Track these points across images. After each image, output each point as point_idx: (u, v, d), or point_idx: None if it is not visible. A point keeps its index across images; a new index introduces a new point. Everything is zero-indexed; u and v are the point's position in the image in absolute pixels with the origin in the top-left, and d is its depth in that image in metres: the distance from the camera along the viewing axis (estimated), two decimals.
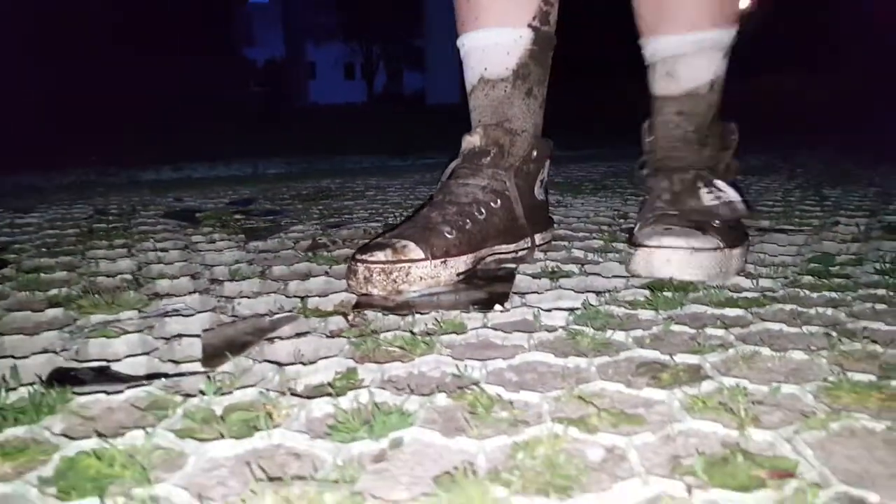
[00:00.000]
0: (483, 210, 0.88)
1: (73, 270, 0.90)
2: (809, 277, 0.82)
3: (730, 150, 0.95)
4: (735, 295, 0.75)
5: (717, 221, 0.86)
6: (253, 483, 0.36)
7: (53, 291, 0.79)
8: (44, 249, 1.04)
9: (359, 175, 2.25)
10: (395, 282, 0.77)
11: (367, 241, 0.93)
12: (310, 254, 0.98)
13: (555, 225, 1.09)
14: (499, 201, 0.89)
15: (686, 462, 0.39)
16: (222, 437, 0.43)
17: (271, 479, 0.38)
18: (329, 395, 0.50)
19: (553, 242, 1.04)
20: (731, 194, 0.90)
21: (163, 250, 1.02)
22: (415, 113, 9.16)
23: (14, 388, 0.50)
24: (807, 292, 0.76)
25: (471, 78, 0.94)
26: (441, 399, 0.49)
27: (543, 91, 0.95)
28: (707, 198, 0.89)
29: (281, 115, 8.19)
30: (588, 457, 0.41)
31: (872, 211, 1.31)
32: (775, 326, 0.64)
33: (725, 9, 0.91)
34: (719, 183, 0.91)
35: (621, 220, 1.24)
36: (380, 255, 0.77)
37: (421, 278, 0.78)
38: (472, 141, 0.93)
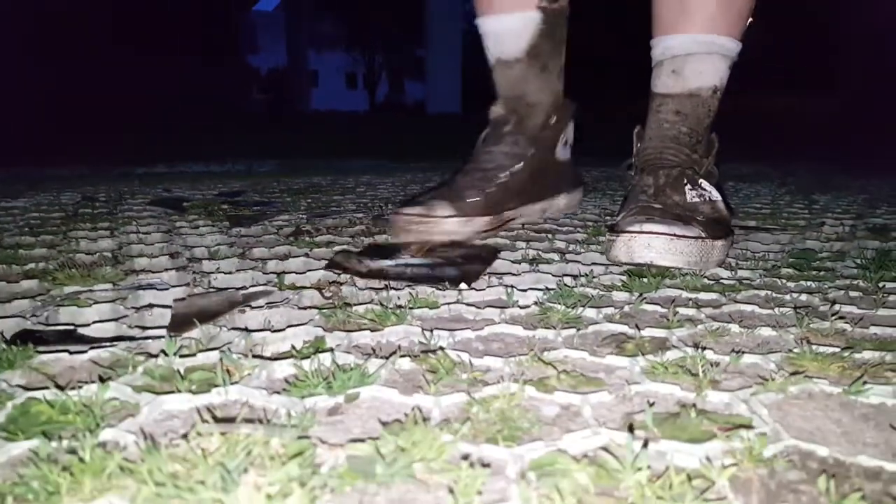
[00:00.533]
0: (507, 175, 0.99)
1: (53, 248, 0.90)
2: (789, 270, 0.82)
3: (711, 157, 0.95)
4: (712, 282, 0.75)
5: (699, 216, 0.86)
6: (200, 425, 0.36)
7: (31, 266, 0.79)
8: (26, 229, 1.04)
9: (351, 173, 2.25)
10: (427, 233, 0.90)
11: (358, 228, 1.06)
12: (291, 238, 0.98)
13: (585, 183, 1.17)
14: (521, 163, 1.00)
15: (640, 419, 0.39)
16: (179, 391, 0.43)
17: (219, 421, 0.38)
18: (293, 357, 0.50)
19: (537, 234, 1.04)
20: (715, 194, 0.90)
21: (145, 233, 1.02)
22: (415, 121, 9.18)
23: None
24: (784, 282, 0.76)
25: (490, 58, 1.04)
26: (403, 362, 0.49)
27: (559, 60, 1.03)
28: (691, 194, 0.88)
29: (281, 119, 8.21)
30: (543, 412, 0.41)
31: (859, 214, 1.32)
32: (748, 308, 0.64)
33: (738, 22, 0.93)
34: (704, 183, 0.90)
35: (607, 217, 1.24)
36: (415, 209, 0.91)
37: (447, 233, 0.91)
38: (495, 110, 1.04)
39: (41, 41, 6.01)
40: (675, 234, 0.79)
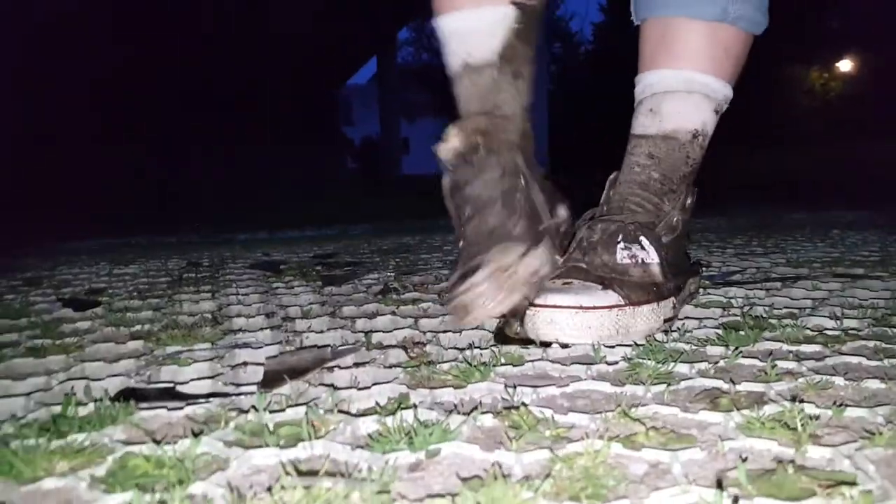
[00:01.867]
0: (518, 196, 0.78)
1: (159, 311, 0.95)
2: None
3: (679, 210, 0.85)
4: (815, 333, 0.71)
5: (625, 278, 0.76)
6: (284, 479, 0.37)
7: (137, 327, 0.83)
8: (135, 294, 1.10)
9: (438, 232, 2.28)
10: (510, 287, 0.70)
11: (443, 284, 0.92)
12: (379, 296, 1.00)
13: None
14: (522, 179, 0.79)
15: (733, 475, 0.37)
16: (267, 446, 0.44)
17: (302, 475, 0.38)
18: (377, 413, 0.50)
19: None
20: (651, 256, 0.79)
21: (244, 295, 1.06)
22: None
23: (84, 404, 0.53)
24: (895, 331, 0.71)
25: (454, 64, 0.85)
26: (485, 418, 0.48)
27: (531, 69, 0.85)
28: (621, 254, 0.78)
29: (373, 185, 8.47)
30: (629, 470, 0.39)
31: None
32: (854, 360, 0.60)
33: (726, 63, 0.86)
34: (644, 241, 0.80)
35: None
36: (468, 281, 0.70)
37: (532, 271, 0.72)
38: (451, 144, 0.80)
39: (153, 133, 6.49)
40: (580, 307, 0.71)
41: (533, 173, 0.80)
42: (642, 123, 0.87)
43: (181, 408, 0.53)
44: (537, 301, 0.72)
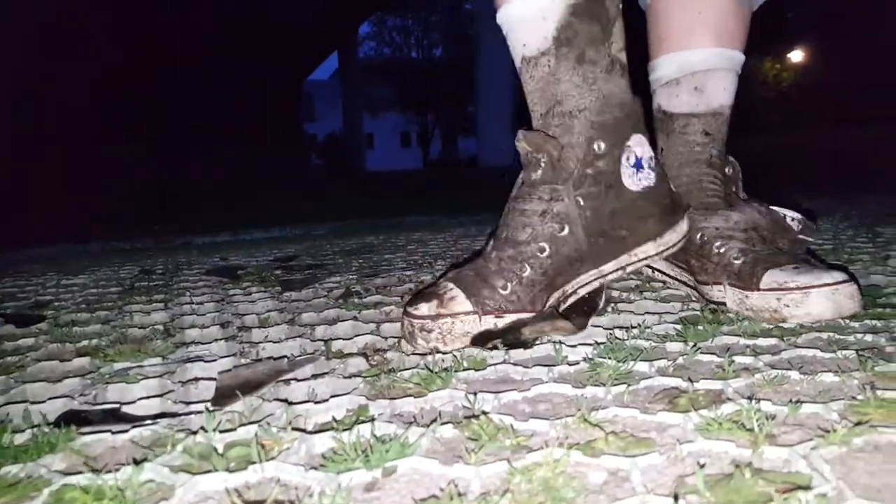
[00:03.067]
0: (546, 246, 0.72)
1: (108, 323, 0.92)
2: None
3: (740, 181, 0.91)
4: (771, 326, 0.72)
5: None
6: None
7: (84, 343, 0.80)
8: (83, 305, 1.07)
9: (403, 231, 2.26)
10: (443, 339, 0.68)
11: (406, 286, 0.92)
12: (341, 301, 0.98)
13: (688, 207, 0.85)
14: (566, 227, 0.73)
15: (692, 481, 0.37)
16: (216, 470, 0.42)
17: (247, 503, 0.37)
18: (333, 429, 0.49)
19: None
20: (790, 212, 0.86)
21: (198, 304, 1.04)
22: (467, 175, 9.27)
23: (22, 431, 0.51)
24: (847, 321, 0.71)
25: (516, 61, 0.78)
26: (445, 429, 0.47)
27: (608, 51, 0.75)
28: (792, 224, 0.84)
29: (337, 183, 8.40)
30: (589, 479, 0.38)
31: None
32: (809, 352, 0.60)
33: (744, 36, 0.90)
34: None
35: None
36: (423, 309, 0.69)
37: (467, 334, 0.69)
38: (520, 144, 0.75)
39: (109, 128, 6.34)
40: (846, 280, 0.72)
41: (601, 207, 0.74)
42: (688, 102, 0.89)
43: (126, 431, 0.51)
44: (820, 282, 0.71)
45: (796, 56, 15.50)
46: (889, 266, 1.03)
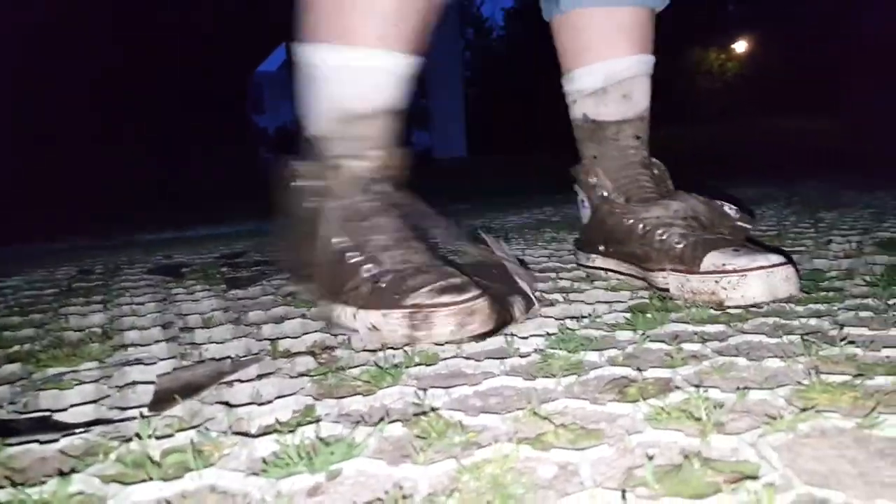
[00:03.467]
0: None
1: (42, 327, 0.88)
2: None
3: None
4: (718, 313, 0.72)
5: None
6: None
7: (15, 348, 0.77)
8: (16, 309, 1.02)
9: None
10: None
11: None
12: (290, 298, 0.96)
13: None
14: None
15: (641, 473, 0.36)
16: (150, 479, 0.40)
17: None
18: (277, 432, 0.47)
19: (541, 273, 1.01)
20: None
21: (139, 304, 1.00)
22: (421, 166, 9.24)
23: None
24: (792, 306, 0.72)
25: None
26: (394, 427, 0.46)
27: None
28: (730, 212, 0.86)
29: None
30: (538, 474, 0.38)
31: (866, 229, 1.28)
32: (755, 338, 0.61)
33: (653, 39, 0.94)
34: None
35: None
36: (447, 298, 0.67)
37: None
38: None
39: (43, 120, 6.13)
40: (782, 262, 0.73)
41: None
42: (617, 110, 0.92)
43: (56, 440, 0.48)
44: (754, 265, 0.71)
45: (740, 46, 15.85)
46: (831, 251, 1.06)
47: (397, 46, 0.76)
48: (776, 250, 0.78)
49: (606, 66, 0.91)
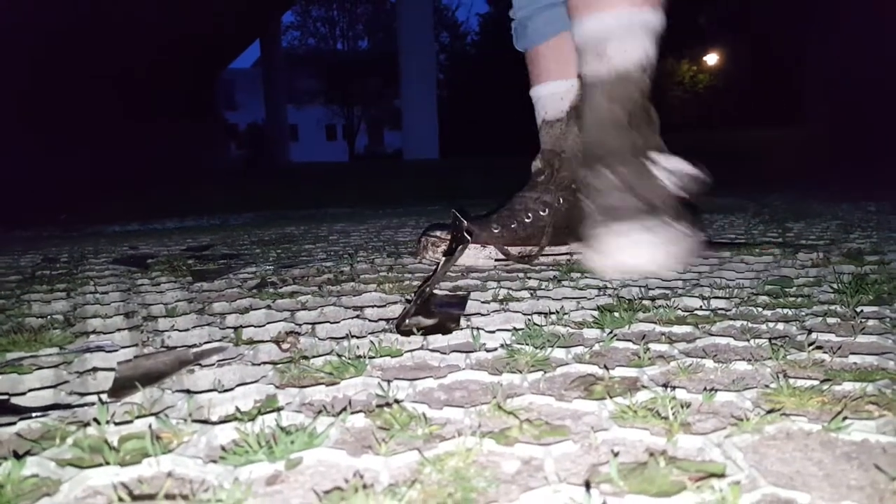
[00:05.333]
0: (530, 215, 1.10)
1: (2, 313, 0.86)
2: (765, 297, 0.80)
3: (656, 127, 0.94)
4: (686, 314, 0.73)
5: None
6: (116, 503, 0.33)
7: None
8: None
9: (325, 222, 2.22)
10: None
11: (325, 277, 1.00)
12: (255, 291, 0.95)
13: None
14: (547, 210, 1.10)
15: (605, 470, 0.36)
16: (107, 464, 0.39)
17: (136, 498, 0.34)
18: (238, 420, 0.46)
19: (509, 273, 1.01)
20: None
21: (103, 293, 0.98)
22: (393, 168, 9.23)
23: None
24: (760, 310, 0.73)
25: (538, 120, 1.17)
26: (356, 418, 0.46)
27: None
28: (668, 182, 0.87)
29: (259, 173, 8.22)
30: (502, 468, 0.37)
31: (833, 240, 1.30)
32: (723, 341, 0.61)
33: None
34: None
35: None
36: (438, 233, 1.11)
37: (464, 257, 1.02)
38: (535, 164, 1.15)
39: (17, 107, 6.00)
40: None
41: (572, 210, 1.08)
42: (591, 68, 0.92)
43: (13, 423, 0.47)
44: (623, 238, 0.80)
45: (711, 59, 16.07)
46: (798, 259, 1.07)
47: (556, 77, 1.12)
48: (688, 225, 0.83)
49: (580, 24, 0.93)
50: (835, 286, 0.83)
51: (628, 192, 0.86)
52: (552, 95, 1.13)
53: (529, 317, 0.73)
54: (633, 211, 0.83)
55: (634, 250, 0.79)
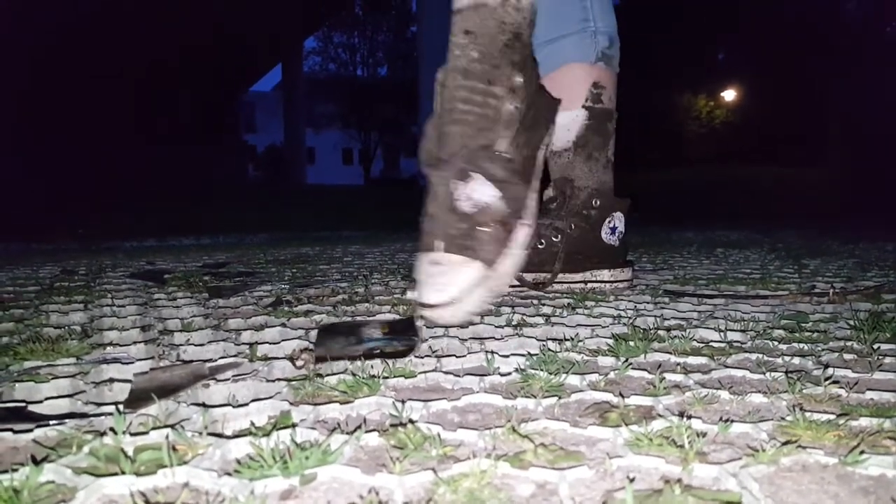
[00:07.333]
0: (543, 241, 1.10)
1: (22, 322, 0.87)
2: (781, 331, 0.79)
3: (514, 95, 0.83)
4: (701, 345, 0.72)
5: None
6: None
7: None
8: None
9: (340, 243, 2.24)
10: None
11: (339, 297, 0.99)
12: (270, 309, 0.95)
13: (633, 267, 1.22)
14: (559, 236, 1.10)
15: (620, 496, 0.36)
16: (123, 473, 0.39)
17: None
18: (252, 434, 0.46)
19: (523, 300, 1.02)
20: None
21: (120, 306, 0.99)
22: (408, 193, 9.28)
23: None
24: (776, 344, 0.73)
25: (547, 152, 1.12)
26: (370, 437, 0.46)
27: (607, 153, 1.14)
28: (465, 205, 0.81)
29: (275, 195, 8.29)
30: (516, 491, 0.37)
31: (850, 278, 1.30)
32: (738, 373, 0.61)
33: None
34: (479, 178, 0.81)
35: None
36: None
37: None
38: (547, 192, 1.13)
39: (39, 120, 6.10)
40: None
41: (584, 238, 1.12)
42: (455, 4, 0.82)
43: (30, 430, 0.47)
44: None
45: (729, 95, 16.12)
46: (815, 296, 1.06)
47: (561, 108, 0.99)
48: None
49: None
50: (852, 322, 0.83)
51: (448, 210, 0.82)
52: (558, 127, 1.07)
53: (544, 342, 0.73)
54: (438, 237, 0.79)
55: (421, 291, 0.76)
